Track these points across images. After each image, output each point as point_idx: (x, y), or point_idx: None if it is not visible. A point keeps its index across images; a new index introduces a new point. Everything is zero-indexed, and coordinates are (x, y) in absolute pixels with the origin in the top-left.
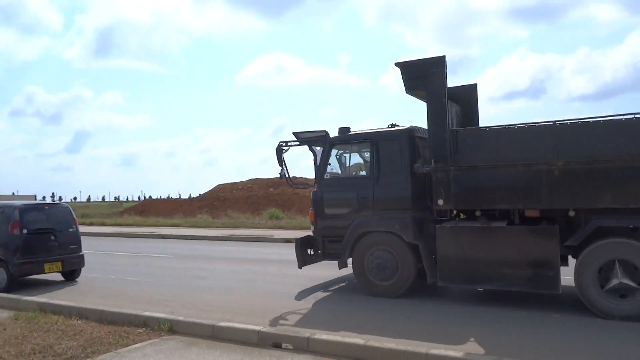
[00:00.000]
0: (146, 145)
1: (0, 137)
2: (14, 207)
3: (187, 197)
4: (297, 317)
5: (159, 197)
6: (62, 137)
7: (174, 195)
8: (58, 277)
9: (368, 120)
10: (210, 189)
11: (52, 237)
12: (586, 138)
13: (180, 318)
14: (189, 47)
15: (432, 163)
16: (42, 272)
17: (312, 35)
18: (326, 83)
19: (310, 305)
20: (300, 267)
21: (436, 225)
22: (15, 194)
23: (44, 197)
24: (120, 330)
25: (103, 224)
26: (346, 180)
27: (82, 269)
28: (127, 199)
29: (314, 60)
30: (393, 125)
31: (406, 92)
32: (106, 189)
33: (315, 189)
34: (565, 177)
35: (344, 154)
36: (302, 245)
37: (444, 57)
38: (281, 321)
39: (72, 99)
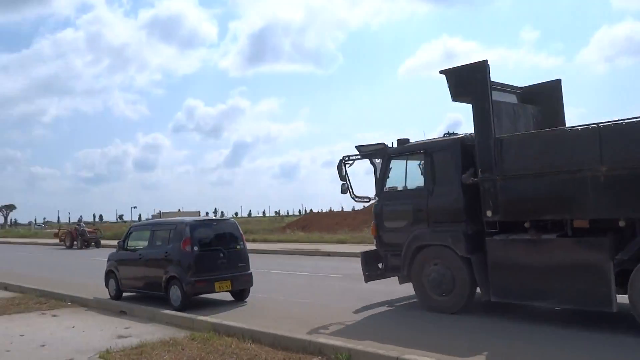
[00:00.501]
0: (305, 154)
1: (166, 153)
2: (184, 224)
3: (350, 209)
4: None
5: (320, 211)
6: (222, 150)
7: (336, 208)
8: (226, 296)
9: (575, 109)
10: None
11: (221, 255)
12: (633, 140)
13: (360, 347)
14: (345, 43)
15: (479, 173)
16: (213, 291)
17: (486, 12)
18: (507, 66)
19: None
20: (366, 282)
21: (486, 238)
22: (181, 210)
23: (207, 213)
24: (294, 357)
25: (266, 240)
26: (403, 193)
27: (251, 289)
28: (288, 212)
29: (490, 41)
30: (449, 134)
31: (452, 100)
32: (266, 202)
33: (376, 203)
34: (611, 184)
35: (402, 166)
36: (367, 259)
37: (485, 61)
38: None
39: (230, 110)
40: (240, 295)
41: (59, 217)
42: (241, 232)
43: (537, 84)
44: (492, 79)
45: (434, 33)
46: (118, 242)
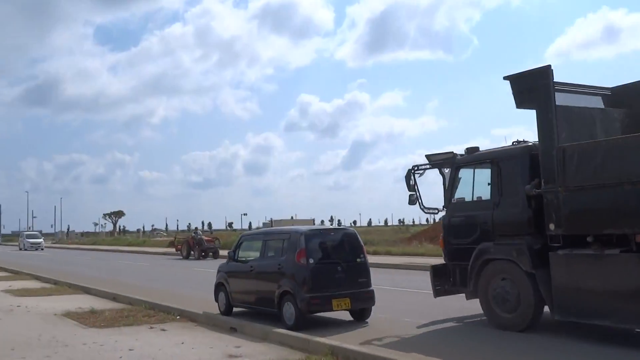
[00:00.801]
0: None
1: (277, 155)
2: (299, 233)
3: None
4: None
5: None
6: (339, 151)
7: None
8: (345, 315)
9: None
10: None
11: (340, 269)
12: None
13: None
14: (481, 24)
15: (542, 184)
16: (330, 309)
17: None
18: None
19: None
20: (435, 297)
21: (549, 253)
22: (294, 217)
23: (322, 221)
24: None
25: (389, 253)
26: (470, 205)
27: (372, 308)
28: (414, 221)
29: None
30: (518, 142)
31: (516, 107)
32: (388, 210)
33: (444, 215)
34: None
35: (470, 176)
36: (437, 273)
37: (549, 66)
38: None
39: (347, 105)
40: (360, 315)
41: (167, 225)
42: (362, 243)
43: (628, 83)
44: (578, 82)
45: (591, 5)
46: (228, 253)
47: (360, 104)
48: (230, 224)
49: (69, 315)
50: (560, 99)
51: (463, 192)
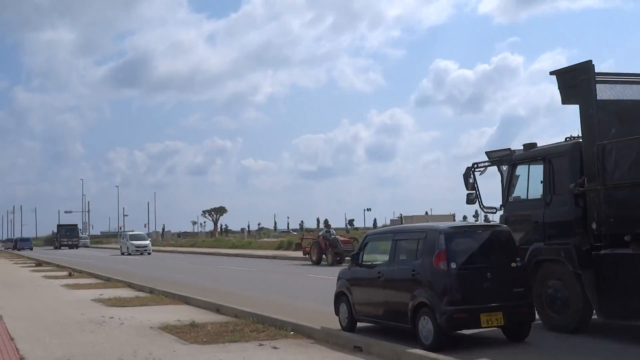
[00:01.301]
0: None
1: (407, 136)
2: (438, 231)
3: None
4: None
5: None
6: (484, 129)
7: None
8: (496, 333)
9: None
10: None
11: (489, 275)
12: None
13: None
14: None
15: (585, 182)
16: (478, 325)
17: None
18: None
19: None
20: None
21: (593, 253)
22: (428, 213)
23: (464, 217)
24: None
25: None
26: (525, 203)
27: (532, 324)
28: None
29: None
30: (571, 138)
31: (562, 103)
32: None
33: (502, 214)
34: None
35: (526, 174)
36: None
37: (589, 62)
38: None
39: (495, 71)
40: (516, 333)
41: (275, 223)
42: (516, 243)
43: None
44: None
45: None
46: (351, 256)
47: (512, 69)
48: (350, 222)
49: (166, 328)
50: (612, 93)
51: (520, 190)
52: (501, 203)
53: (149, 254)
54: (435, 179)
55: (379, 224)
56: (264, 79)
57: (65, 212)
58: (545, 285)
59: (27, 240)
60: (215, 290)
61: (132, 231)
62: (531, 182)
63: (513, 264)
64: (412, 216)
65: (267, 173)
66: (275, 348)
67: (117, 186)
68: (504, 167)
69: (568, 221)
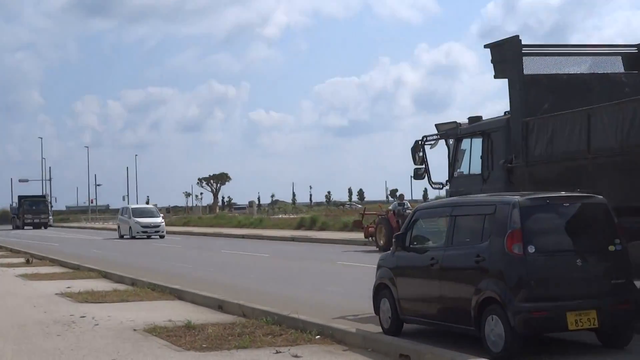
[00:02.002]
0: None
1: (468, 79)
2: (510, 204)
3: None
4: None
5: None
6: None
7: None
8: (587, 336)
9: None
10: None
11: (579, 262)
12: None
13: None
14: None
15: (513, 159)
16: (564, 328)
17: None
18: None
19: None
20: None
21: None
22: None
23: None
24: None
25: None
26: (467, 179)
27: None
28: None
29: None
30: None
31: (494, 77)
32: None
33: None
34: (592, 173)
35: (469, 149)
36: None
37: (516, 37)
38: None
39: None
40: (614, 338)
41: (294, 195)
42: (615, 219)
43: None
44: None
45: None
46: (396, 237)
47: None
48: (392, 192)
49: (155, 331)
50: (546, 66)
51: (464, 165)
52: (447, 179)
53: (162, 236)
54: None
55: (430, 196)
56: (276, 4)
57: (20, 180)
58: None
59: None
60: (216, 282)
61: (133, 204)
62: (473, 157)
63: (611, 247)
64: None
65: (282, 129)
66: (296, 357)
67: (87, 147)
68: (451, 141)
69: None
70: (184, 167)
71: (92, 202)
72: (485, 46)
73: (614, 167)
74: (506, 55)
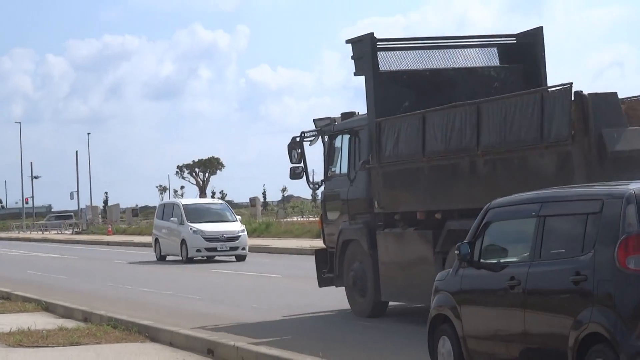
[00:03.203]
0: None
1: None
2: (625, 197)
3: None
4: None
5: None
6: None
7: None
8: None
9: None
10: None
11: None
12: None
13: None
14: None
15: (369, 160)
16: None
17: None
18: None
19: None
20: (320, 287)
21: (376, 232)
22: None
23: None
24: None
25: None
26: (339, 179)
27: None
28: None
29: None
30: None
31: (354, 75)
32: None
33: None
34: (428, 176)
35: (341, 147)
36: (320, 259)
37: (370, 34)
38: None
39: None
40: None
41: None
42: None
43: (519, 33)
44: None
45: None
46: (459, 247)
47: None
48: None
49: None
50: (407, 62)
51: (337, 164)
52: (322, 178)
53: (242, 258)
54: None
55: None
56: None
57: None
58: (350, 268)
59: None
60: (202, 312)
61: (192, 200)
62: (343, 156)
63: None
64: None
65: (295, 94)
66: None
67: (18, 123)
68: (326, 138)
69: (364, 199)
70: (157, 151)
71: (27, 203)
72: (347, 42)
73: (443, 170)
74: (362, 51)
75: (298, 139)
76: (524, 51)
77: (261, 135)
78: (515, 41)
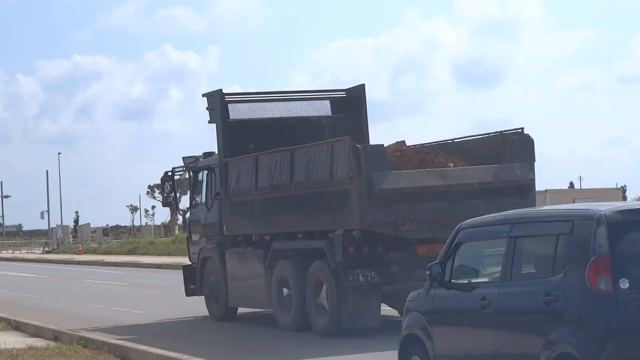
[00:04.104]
0: None
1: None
2: (595, 219)
3: None
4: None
5: None
6: None
7: None
8: None
9: None
10: None
11: None
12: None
13: None
14: None
15: (220, 192)
16: None
17: None
18: None
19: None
20: (187, 296)
21: (225, 251)
22: (574, 186)
23: None
24: None
25: None
26: (200, 207)
27: None
28: None
29: None
30: (210, 153)
31: (208, 122)
32: None
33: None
34: (259, 206)
35: (203, 180)
36: (188, 273)
37: (219, 90)
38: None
39: None
40: None
41: None
42: None
43: (349, 88)
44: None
45: None
46: (430, 267)
47: None
48: None
49: None
50: (250, 112)
51: (201, 195)
52: (188, 206)
53: None
54: (586, 121)
55: None
56: None
57: None
58: (207, 280)
59: None
60: (185, 333)
61: None
62: (204, 188)
63: None
64: (546, 191)
65: None
66: None
67: None
68: (192, 173)
69: (217, 224)
70: (128, 170)
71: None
72: (202, 95)
73: (269, 202)
74: (214, 104)
75: (170, 174)
76: (351, 103)
77: None
78: (345, 95)
